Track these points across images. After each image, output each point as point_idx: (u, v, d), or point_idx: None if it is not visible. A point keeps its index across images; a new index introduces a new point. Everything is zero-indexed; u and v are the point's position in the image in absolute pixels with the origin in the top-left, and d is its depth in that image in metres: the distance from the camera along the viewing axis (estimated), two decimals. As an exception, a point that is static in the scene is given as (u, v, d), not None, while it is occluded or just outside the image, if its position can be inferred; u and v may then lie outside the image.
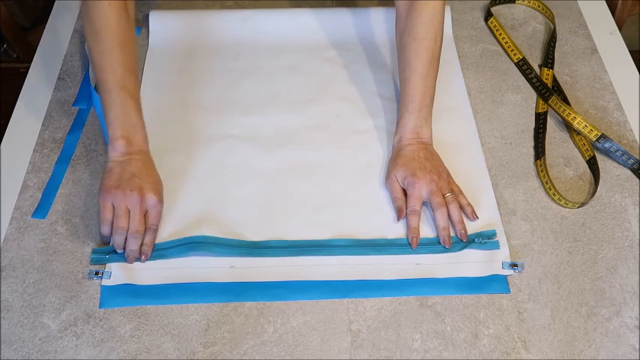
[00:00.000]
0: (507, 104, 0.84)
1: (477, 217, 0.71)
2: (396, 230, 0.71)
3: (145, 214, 0.69)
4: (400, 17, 0.78)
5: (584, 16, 0.96)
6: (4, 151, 0.78)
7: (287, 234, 0.70)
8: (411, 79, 0.75)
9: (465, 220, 0.71)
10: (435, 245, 0.69)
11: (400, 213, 0.71)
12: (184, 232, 0.70)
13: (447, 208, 0.70)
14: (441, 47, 0.77)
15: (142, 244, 0.67)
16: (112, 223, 0.67)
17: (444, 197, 0.71)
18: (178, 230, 0.70)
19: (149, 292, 0.66)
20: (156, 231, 0.69)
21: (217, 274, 0.67)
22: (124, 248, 0.67)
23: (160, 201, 0.70)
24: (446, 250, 0.69)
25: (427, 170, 0.71)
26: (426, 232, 0.71)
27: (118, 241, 0.67)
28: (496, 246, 0.69)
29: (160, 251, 0.68)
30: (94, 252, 0.68)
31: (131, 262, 0.67)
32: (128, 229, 0.67)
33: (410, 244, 0.69)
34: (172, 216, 0.71)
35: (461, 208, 0.71)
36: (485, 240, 0.69)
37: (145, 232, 0.68)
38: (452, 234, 0.70)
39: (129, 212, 0.67)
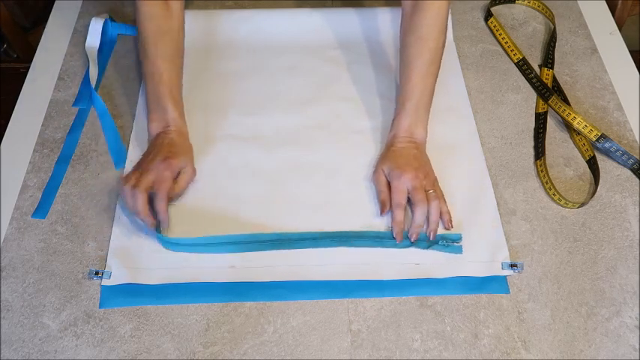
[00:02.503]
0: (507, 104, 0.84)
1: (452, 227, 0.70)
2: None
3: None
4: (405, 16, 0.78)
5: (584, 16, 0.96)
6: (4, 151, 0.78)
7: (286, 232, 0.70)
8: (411, 77, 0.75)
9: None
10: (405, 240, 0.69)
11: (384, 206, 0.71)
12: (185, 231, 0.70)
13: (429, 205, 0.69)
14: (443, 48, 0.77)
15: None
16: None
17: (426, 194, 0.70)
18: (179, 229, 0.70)
19: (149, 292, 0.66)
20: (162, 198, 0.68)
21: (217, 274, 0.67)
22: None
23: (168, 165, 0.69)
24: (410, 246, 0.69)
25: (413, 167, 0.71)
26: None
27: (124, 197, 0.68)
28: (459, 250, 0.69)
29: (169, 243, 0.68)
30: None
31: (149, 225, 0.67)
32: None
33: (394, 238, 0.69)
34: (172, 215, 0.71)
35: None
36: (449, 243, 0.69)
37: (153, 197, 0.68)
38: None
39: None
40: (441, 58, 0.77)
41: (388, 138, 0.77)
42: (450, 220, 0.70)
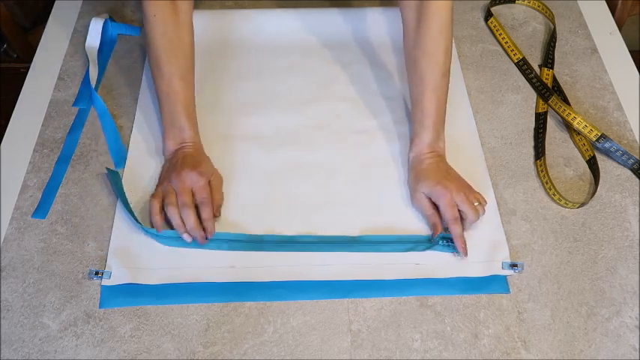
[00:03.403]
0: (507, 104, 0.84)
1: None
2: (394, 229, 0.71)
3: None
4: (409, 30, 0.76)
5: (584, 16, 0.96)
6: (4, 151, 0.78)
7: (286, 233, 0.70)
8: (424, 94, 0.74)
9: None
10: (402, 243, 0.69)
11: (436, 230, 0.69)
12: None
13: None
14: (451, 58, 0.75)
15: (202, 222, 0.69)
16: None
17: (474, 206, 0.69)
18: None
19: (149, 292, 0.66)
20: (209, 204, 0.69)
21: (217, 274, 0.67)
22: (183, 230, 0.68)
23: (200, 174, 0.70)
24: (410, 249, 0.68)
25: (450, 179, 0.70)
26: (396, 228, 0.71)
27: (172, 217, 0.68)
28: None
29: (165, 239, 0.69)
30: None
31: (200, 241, 0.67)
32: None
33: (461, 253, 0.68)
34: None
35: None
36: (450, 243, 0.68)
37: (199, 207, 0.69)
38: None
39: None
40: (449, 69, 0.75)
41: (410, 158, 0.76)
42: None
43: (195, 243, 0.68)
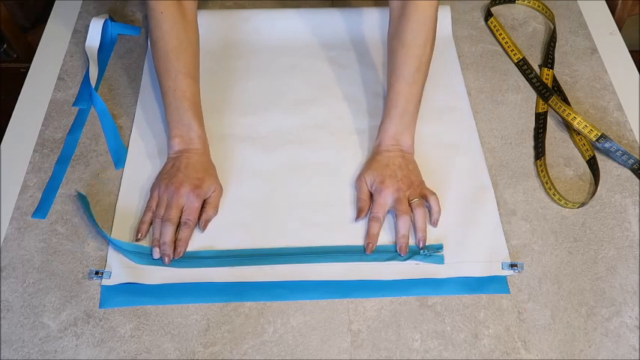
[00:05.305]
0: (507, 104, 0.84)
1: (436, 226, 0.70)
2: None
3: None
4: (392, 21, 0.77)
5: (584, 16, 0.96)
6: (4, 151, 0.78)
7: (286, 235, 0.70)
8: (396, 85, 0.75)
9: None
10: (386, 253, 0.68)
11: (360, 213, 0.70)
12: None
13: (413, 214, 0.69)
14: (431, 54, 0.75)
15: (176, 240, 0.68)
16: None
17: (409, 204, 0.70)
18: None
19: (149, 291, 0.66)
20: (191, 227, 0.69)
21: (217, 274, 0.67)
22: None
23: (197, 196, 0.70)
24: (391, 259, 0.68)
25: (397, 179, 0.71)
26: (385, 238, 0.70)
27: (155, 229, 0.69)
28: (440, 261, 0.68)
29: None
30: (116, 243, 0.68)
31: (165, 260, 0.67)
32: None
33: (364, 249, 0.68)
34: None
35: (430, 210, 0.70)
36: (431, 252, 0.68)
37: (179, 226, 0.69)
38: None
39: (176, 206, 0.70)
40: (428, 65, 0.76)
41: (374, 145, 0.76)
42: (437, 221, 0.70)
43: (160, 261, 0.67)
